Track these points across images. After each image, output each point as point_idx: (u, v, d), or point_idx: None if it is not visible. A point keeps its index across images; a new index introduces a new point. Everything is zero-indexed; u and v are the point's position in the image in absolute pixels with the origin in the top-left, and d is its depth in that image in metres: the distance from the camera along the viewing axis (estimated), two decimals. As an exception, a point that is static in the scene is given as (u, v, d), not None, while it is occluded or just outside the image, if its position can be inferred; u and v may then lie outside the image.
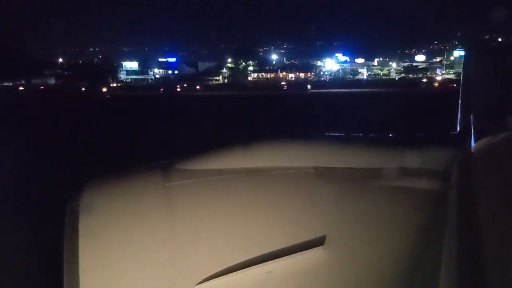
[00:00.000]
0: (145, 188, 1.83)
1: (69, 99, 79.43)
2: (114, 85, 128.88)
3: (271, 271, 1.71)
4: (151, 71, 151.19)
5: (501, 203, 1.57)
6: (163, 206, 1.76)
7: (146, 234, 1.72)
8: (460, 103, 3.01)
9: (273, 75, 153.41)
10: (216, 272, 1.69)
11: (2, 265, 9.63)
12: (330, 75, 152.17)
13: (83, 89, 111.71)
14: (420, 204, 1.86)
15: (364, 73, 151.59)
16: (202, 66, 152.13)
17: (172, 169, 1.89)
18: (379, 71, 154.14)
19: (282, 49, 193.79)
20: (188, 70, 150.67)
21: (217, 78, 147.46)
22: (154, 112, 52.52)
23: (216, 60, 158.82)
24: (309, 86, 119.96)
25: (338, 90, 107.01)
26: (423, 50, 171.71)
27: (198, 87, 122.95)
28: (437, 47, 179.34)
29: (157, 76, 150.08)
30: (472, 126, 2.25)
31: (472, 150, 1.98)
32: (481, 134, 2.04)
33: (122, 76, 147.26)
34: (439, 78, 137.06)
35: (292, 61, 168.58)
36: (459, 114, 2.88)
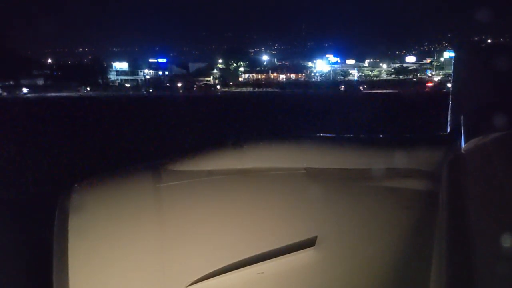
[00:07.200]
0: (135, 188, 1.82)
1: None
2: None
3: (263, 272, 1.72)
4: (141, 71, 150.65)
5: (491, 204, 1.58)
6: (154, 207, 1.75)
7: (137, 235, 1.71)
8: (450, 103, 3.00)
9: (264, 76, 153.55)
10: (207, 273, 1.69)
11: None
12: (320, 76, 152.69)
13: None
14: (410, 204, 1.87)
15: (355, 74, 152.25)
16: (193, 66, 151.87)
17: (163, 170, 1.87)
18: (370, 72, 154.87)
19: (273, 50, 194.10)
20: (178, 70, 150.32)
21: (208, 78, 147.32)
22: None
23: (206, 61, 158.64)
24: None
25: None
26: (414, 52, 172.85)
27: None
28: (427, 49, 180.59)
29: (147, 77, 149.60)
30: (462, 127, 2.23)
31: (462, 151, 1.97)
32: (471, 135, 2.03)
33: (112, 76, 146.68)
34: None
35: (283, 62, 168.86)
36: (449, 115, 2.88)
